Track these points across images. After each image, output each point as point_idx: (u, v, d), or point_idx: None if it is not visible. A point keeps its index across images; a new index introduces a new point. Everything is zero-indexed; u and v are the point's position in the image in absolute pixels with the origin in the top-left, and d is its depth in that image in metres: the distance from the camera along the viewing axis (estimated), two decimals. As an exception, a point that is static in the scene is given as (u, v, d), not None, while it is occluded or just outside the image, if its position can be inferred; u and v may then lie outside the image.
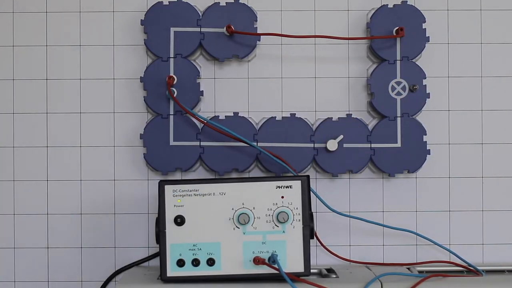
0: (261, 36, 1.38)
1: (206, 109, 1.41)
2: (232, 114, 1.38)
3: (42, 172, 1.40)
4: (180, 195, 1.19)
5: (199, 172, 1.41)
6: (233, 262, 1.18)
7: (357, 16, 1.41)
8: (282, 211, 1.18)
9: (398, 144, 1.37)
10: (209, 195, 1.19)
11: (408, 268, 1.34)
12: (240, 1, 1.38)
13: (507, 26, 1.42)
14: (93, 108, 1.41)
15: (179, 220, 1.19)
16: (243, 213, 1.18)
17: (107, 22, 1.41)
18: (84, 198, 1.40)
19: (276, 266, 1.15)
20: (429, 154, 1.38)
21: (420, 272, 1.32)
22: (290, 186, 1.19)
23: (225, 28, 1.37)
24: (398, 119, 1.37)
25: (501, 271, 1.36)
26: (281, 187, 1.19)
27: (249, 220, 1.18)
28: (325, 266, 1.37)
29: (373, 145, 1.37)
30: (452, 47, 1.42)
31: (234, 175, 1.39)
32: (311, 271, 1.26)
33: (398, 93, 1.38)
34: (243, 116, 1.38)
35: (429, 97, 1.38)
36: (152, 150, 1.37)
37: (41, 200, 1.40)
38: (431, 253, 1.40)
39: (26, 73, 1.41)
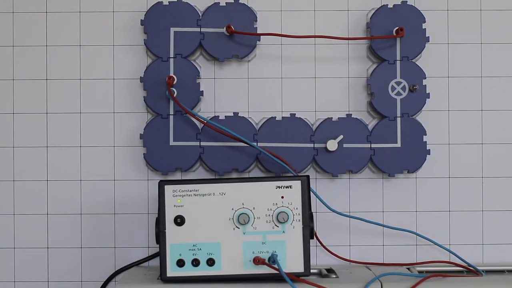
0: (261, 36, 1.38)
1: (206, 109, 1.41)
2: (232, 114, 1.38)
3: (42, 172, 1.40)
4: (180, 195, 1.19)
5: (199, 172, 1.41)
6: (233, 262, 1.18)
7: (357, 16, 1.41)
8: (282, 211, 1.18)
9: (398, 144, 1.37)
10: (209, 195, 1.19)
11: (408, 268, 1.34)
12: (240, 1, 1.38)
13: (507, 26, 1.42)
14: (93, 108, 1.41)
15: (179, 220, 1.19)
16: (243, 213, 1.18)
17: (107, 22, 1.41)
18: (84, 198, 1.40)
19: (276, 266, 1.15)
20: (429, 154, 1.38)
21: (420, 272, 1.32)
22: (290, 186, 1.19)
23: (225, 28, 1.37)
24: (398, 119, 1.37)
25: (501, 271, 1.36)
26: (281, 187, 1.19)
27: (249, 220, 1.18)
28: (325, 266, 1.37)
29: (373, 145, 1.37)
30: (452, 47, 1.42)
31: (234, 175, 1.40)
32: (311, 271, 1.26)
33: (398, 93, 1.38)
34: (243, 116, 1.38)
35: (429, 97, 1.38)
36: (152, 150, 1.37)
37: (41, 200, 1.40)
38: (431, 253, 1.40)
39: (26, 73, 1.41)
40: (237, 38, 1.37)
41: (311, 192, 1.22)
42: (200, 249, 1.19)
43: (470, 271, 1.34)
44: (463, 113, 1.42)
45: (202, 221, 1.19)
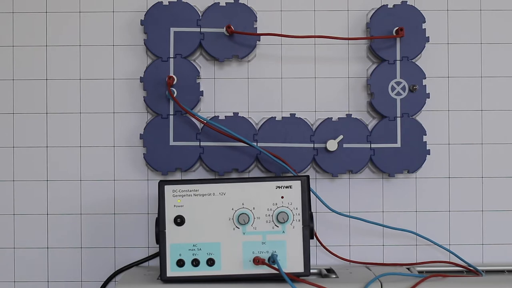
0: (261, 36, 1.38)
1: (206, 109, 1.41)
2: (232, 114, 1.38)
3: (42, 172, 1.40)
4: (180, 195, 1.20)
5: (199, 172, 1.41)
6: (233, 262, 1.18)
7: (357, 16, 1.41)
8: (282, 211, 1.18)
9: (398, 144, 1.37)
10: (209, 195, 1.19)
11: (408, 268, 1.34)
12: (240, 1, 1.38)
13: (507, 26, 1.42)
14: (93, 108, 1.41)
15: (179, 220, 1.19)
16: (243, 213, 1.18)
17: (107, 22, 1.41)
18: (84, 198, 1.40)
19: (276, 266, 1.16)
20: (429, 154, 1.38)
21: (420, 272, 1.32)
22: (290, 186, 1.19)
23: (225, 28, 1.37)
24: (398, 119, 1.37)
25: (501, 271, 1.36)
26: (281, 187, 1.19)
27: (249, 220, 1.18)
28: (325, 266, 1.37)
29: (373, 145, 1.37)
30: (452, 47, 1.42)
31: (234, 175, 1.40)
32: (311, 271, 1.26)
33: (398, 93, 1.38)
34: (243, 116, 1.38)
35: (429, 97, 1.38)
36: (152, 150, 1.37)
37: (41, 200, 1.40)
38: (431, 253, 1.41)
39: (26, 73, 1.41)
40: (237, 38, 1.37)
41: (311, 192, 1.22)
42: (200, 249, 1.19)
43: (470, 271, 1.34)
44: (463, 113, 1.42)
45: (202, 221, 1.19)
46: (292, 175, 1.31)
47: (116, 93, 1.41)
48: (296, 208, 1.19)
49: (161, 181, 1.20)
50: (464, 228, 1.41)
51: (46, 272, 1.40)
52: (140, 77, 1.38)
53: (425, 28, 1.37)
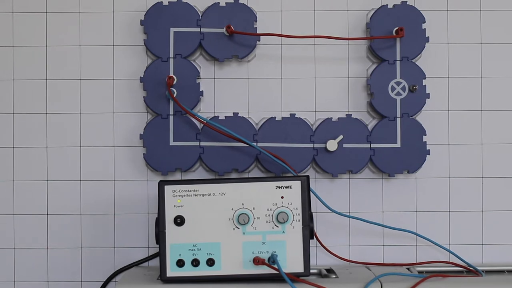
0: (261, 36, 1.38)
1: (206, 109, 1.41)
2: (232, 114, 1.38)
3: (42, 172, 1.40)
4: (180, 195, 1.20)
5: (199, 172, 1.41)
6: (232, 262, 1.18)
7: (357, 16, 1.41)
8: (281, 211, 1.18)
9: (398, 145, 1.37)
10: (209, 195, 1.19)
11: (408, 269, 1.34)
12: (239, 1, 1.38)
13: (507, 26, 1.42)
14: (93, 108, 1.41)
15: (179, 220, 1.19)
16: (242, 213, 1.18)
17: (107, 22, 1.41)
18: (84, 198, 1.40)
19: (275, 266, 1.16)
20: (429, 154, 1.38)
21: (419, 272, 1.32)
22: (290, 186, 1.19)
23: (224, 28, 1.37)
24: (398, 119, 1.37)
25: (501, 272, 1.36)
26: (281, 187, 1.19)
27: (248, 220, 1.18)
28: (325, 266, 1.37)
29: (373, 145, 1.37)
30: (452, 47, 1.42)
31: (234, 175, 1.40)
32: (311, 271, 1.26)
33: (398, 93, 1.38)
34: (243, 117, 1.38)
35: (429, 97, 1.38)
36: (152, 150, 1.37)
37: (41, 200, 1.40)
38: (431, 253, 1.41)
39: (26, 73, 1.41)
40: (237, 38, 1.37)
41: (311, 192, 1.22)
42: (200, 249, 1.19)
43: (470, 271, 1.34)
44: (463, 113, 1.42)
45: (202, 221, 1.19)
46: (292, 175, 1.31)
47: (116, 93, 1.41)
48: (296, 208, 1.19)
49: (161, 181, 1.20)
50: (464, 228, 1.41)
51: (46, 272, 1.40)
52: (140, 77, 1.38)
53: (425, 28, 1.37)
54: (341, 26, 1.41)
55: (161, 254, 1.19)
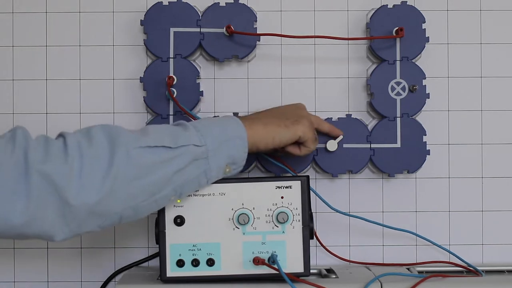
0: (261, 36, 1.38)
1: (206, 109, 1.41)
2: (232, 115, 1.38)
3: (42, 172, 1.40)
4: (179, 195, 1.19)
5: (199, 172, 1.40)
6: (232, 263, 1.19)
7: (357, 16, 1.41)
8: (281, 212, 1.18)
9: (398, 145, 1.37)
10: (208, 195, 1.19)
11: (408, 269, 1.34)
12: (239, 1, 1.38)
13: (507, 26, 1.42)
14: (93, 108, 1.41)
15: (179, 220, 1.19)
16: (242, 213, 1.18)
17: (107, 22, 1.41)
18: (84, 198, 1.40)
19: (275, 266, 1.16)
20: (429, 154, 1.38)
21: (419, 272, 1.32)
22: (290, 187, 1.19)
23: (224, 28, 1.37)
24: (398, 120, 1.37)
25: (501, 272, 1.36)
26: (281, 187, 1.19)
27: (248, 220, 1.18)
28: (325, 266, 1.37)
29: (372, 145, 1.37)
30: (452, 47, 1.42)
31: (234, 175, 1.39)
32: (311, 271, 1.26)
33: (398, 94, 1.38)
34: (243, 116, 1.38)
35: (429, 97, 1.38)
36: (152, 150, 1.37)
37: (41, 200, 1.40)
38: (430, 254, 1.40)
39: (26, 73, 1.41)
40: (237, 38, 1.37)
41: (311, 192, 1.22)
42: (200, 249, 1.19)
43: (470, 271, 1.34)
44: (463, 113, 1.42)
45: (202, 221, 1.19)
46: (292, 175, 1.31)
47: (116, 93, 1.41)
48: (296, 208, 1.19)
49: (161, 181, 1.20)
50: (464, 228, 1.41)
51: (46, 272, 1.40)
52: (140, 77, 1.38)
53: (425, 28, 1.37)
54: (341, 26, 1.41)
55: (161, 254, 1.19)
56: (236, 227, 1.19)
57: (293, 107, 1.29)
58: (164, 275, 1.19)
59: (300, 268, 1.18)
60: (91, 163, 1.01)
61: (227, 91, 1.41)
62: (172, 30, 1.37)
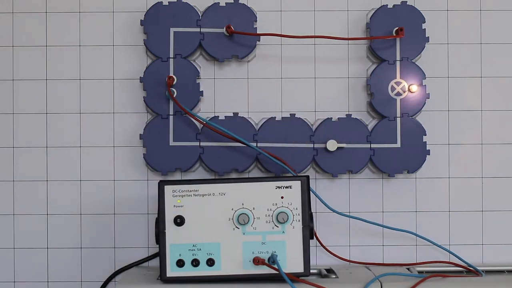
0: (261, 36, 1.38)
1: (206, 109, 1.41)
2: (232, 115, 1.38)
3: (42, 172, 1.40)
4: (180, 195, 1.20)
5: (199, 173, 1.41)
6: (232, 263, 1.19)
7: (356, 16, 1.41)
8: (281, 212, 1.18)
9: (398, 145, 1.37)
10: (208, 195, 1.19)
11: (408, 269, 1.34)
12: (239, 1, 1.38)
13: (507, 26, 1.42)
14: (93, 108, 1.41)
15: (179, 221, 1.19)
16: (242, 213, 1.18)
17: (107, 22, 1.41)
18: (84, 198, 1.40)
19: (275, 266, 1.16)
20: (429, 154, 1.38)
21: (419, 272, 1.32)
22: (290, 187, 1.19)
23: (224, 28, 1.37)
24: (398, 120, 1.37)
25: (501, 272, 1.36)
26: (281, 187, 1.19)
27: (248, 220, 1.18)
28: (325, 266, 1.37)
29: (372, 145, 1.37)
30: (452, 47, 1.42)
31: (233, 175, 1.40)
32: (311, 271, 1.26)
33: (398, 94, 1.38)
34: (242, 117, 1.38)
35: (429, 97, 1.38)
36: (152, 150, 1.37)
37: (41, 200, 1.40)
38: (430, 254, 1.41)
39: (26, 73, 1.41)
40: (237, 38, 1.37)
41: (311, 192, 1.22)
42: (200, 249, 1.19)
43: (470, 271, 1.34)
44: (463, 113, 1.42)
45: (202, 221, 1.19)
46: (292, 175, 1.31)
47: (116, 93, 1.41)
48: (296, 208, 1.19)
49: (161, 181, 1.20)
50: (464, 228, 1.41)
51: (46, 272, 1.40)
52: (140, 77, 1.38)
53: (425, 28, 1.37)
54: (341, 26, 1.41)
55: (161, 254, 1.19)
56: (236, 227, 1.19)
57: None
58: (164, 275, 1.19)
59: (300, 268, 1.18)
60: None
61: (227, 91, 1.41)
62: (172, 30, 1.37)
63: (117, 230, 1.41)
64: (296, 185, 1.19)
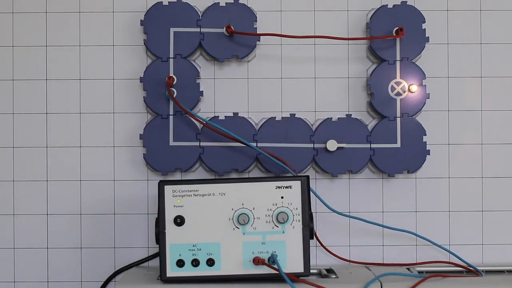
0: (261, 36, 1.38)
1: (206, 109, 1.41)
2: (232, 115, 1.38)
3: (42, 172, 1.40)
4: (180, 195, 1.20)
5: (199, 173, 1.41)
6: (232, 263, 1.19)
7: (357, 16, 1.41)
8: (281, 212, 1.18)
9: (398, 145, 1.37)
10: (208, 195, 1.19)
11: (408, 269, 1.34)
12: (239, 1, 1.38)
13: (507, 26, 1.42)
14: (93, 108, 1.41)
15: (179, 221, 1.19)
16: (242, 213, 1.18)
17: (107, 22, 1.41)
18: (84, 198, 1.40)
19: (275, 266, 1.16)
20: (429, 154, 1.38)
21: (419, 272, 1.32)
22: (290, 187, 1.19)
23: (224, 28, 1.37)
24: (398, 120, 1.37)
25: (501, 272, 1.36)
26: (281, 187, 1.19)
27: (248, 220, 1.18)
28: (325, 266, 1.37)
29: (372, 145, 1.37)
30: (452, 47, 1.42)
31: (233, 175, 1.40)
32: (311, 271, 1.26)
33: (398, 94, 1.38)
34: (242, 117, 1.38)
35: (429, 97, 1.38)
36: (152, 150, 1.37)
37: (41, 200, 1.40)
38: (430, 254, 1.41)
39: (26, 73, 1.41)
40: (237, 38, 1.37)
41: (311, 192, 1.22)
42: (200, 249, 1.19)
43: (470, 271, 1.34)
44: (463, 113, 1.42)
45: (202, 221, 1.19)
46: (292, 175, 1.31)
47: (116, 93, 1.41)
48: (296, 208, 1.19)
49: (161, 181, 1.20)
50: (464, 228, 1.41)
51: (46, 272, 1.40)
52: (140, 77, 1.38)
53: (425, 28, 1.37)
54: (341, 26, 1.41)
55: (161, 254, 1.19)
56: (236, 227, 1.19)
57: None
58: (164, 275, 1.19)
59: (300, 268, 1.18)
60: None
61: (227, 91, 1.41)
62: (172, 30, 1.37)
63: (117, 230, 1.41)
64: (296, 185, 1.19)
